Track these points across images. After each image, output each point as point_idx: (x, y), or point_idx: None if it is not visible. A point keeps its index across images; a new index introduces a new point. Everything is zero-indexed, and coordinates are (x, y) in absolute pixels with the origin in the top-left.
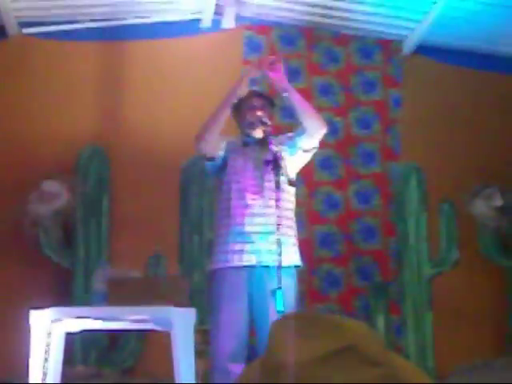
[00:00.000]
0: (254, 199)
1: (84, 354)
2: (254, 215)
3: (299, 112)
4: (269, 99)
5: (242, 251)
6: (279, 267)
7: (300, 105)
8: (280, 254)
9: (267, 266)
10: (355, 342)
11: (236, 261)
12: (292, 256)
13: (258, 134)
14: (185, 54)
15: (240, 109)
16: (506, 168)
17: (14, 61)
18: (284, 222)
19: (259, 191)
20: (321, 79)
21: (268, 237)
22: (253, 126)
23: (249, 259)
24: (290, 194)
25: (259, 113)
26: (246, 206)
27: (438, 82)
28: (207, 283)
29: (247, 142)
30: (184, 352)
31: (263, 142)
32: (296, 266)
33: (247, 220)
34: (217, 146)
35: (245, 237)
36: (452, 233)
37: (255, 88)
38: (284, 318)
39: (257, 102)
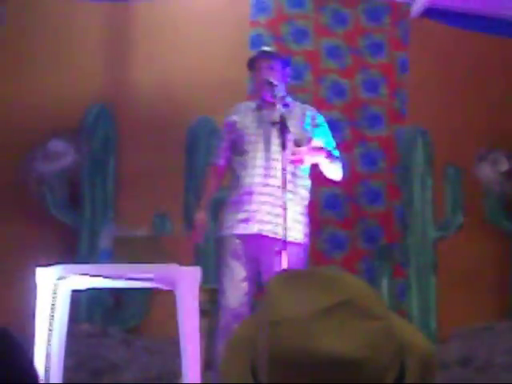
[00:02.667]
0: (262, 164)
1: (89, 312)
2: (260, 183)
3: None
4: (279, 59)
5: (250, 220)
6: (280, 239)
7: (329, 170)
8: (280, 225)
9: (268, 236)
10: (353, 297)
11: (240, 229)
12: (296, 232)
13: (267, 97)
14: (192, 14)
15: (251, 69)
16: None
17: (17, 20)
18: (290, 191)
19: (268, 154)
20: (328, 41)
21: (271, 207)
22: (260, 88)
23: (255, 228)
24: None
25: (265, 75)
26: (255, 175)
27: (445, 46)
28: (216, 247)
29: (259, 105)
30: (189, 311)
31: (274, 104)
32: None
33: (258, 189)
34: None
35: (251, 204)
36: (457, 197)
37: (265, 48)
38: (281, 274)
39: (264, 63)
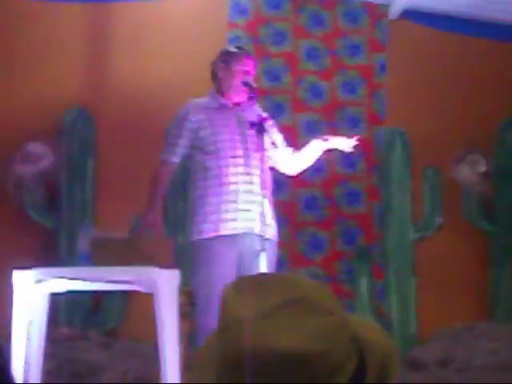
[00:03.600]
0: (242, 162)
1: (68, 315)
2: (244, 181)
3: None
4: (256, 63)
5: (234, 219)
6: (263, 236)
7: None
8: (265, 224)
9: (253, 234)
10: (305, 294)
11: (227, 229)
12: (273, 229)
13: (239, 97)
14: (171, 16)
15: (229, 66)
16: (491, 133)
17: None
18: (266, 189)
19: (246, 152)
20: (306, 42)
21: (255, 205)
22: (238, 89)
23: (241, 227)
24: (270, 160)
25: (249, 78)
26: (238, 174)
27: (424, 47)
28: (193, 252)
29: (224, 105)
30: (168, 313)
31: (242, 103)
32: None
33: (239, 187)
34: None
35: (236, 204)
36: (436, 198)
37: (245, 48)
38: (234, 282)
39: (249, 65)
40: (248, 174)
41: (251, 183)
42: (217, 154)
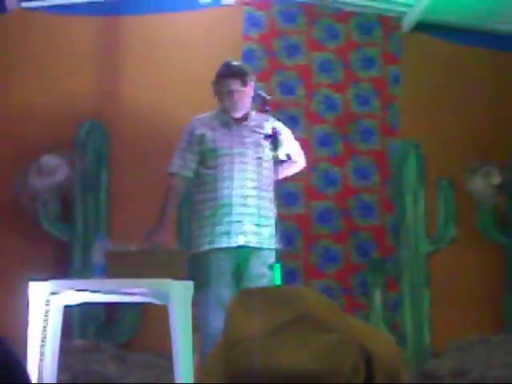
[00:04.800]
0: (239, 176)
1: (82, 327)
2: (239, 194)
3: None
4: (246, 75)
5: (229, 232)
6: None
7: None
8: (261, 235)
9: (252, 247)
10: (309, 311)
11: (221, 243)
12: (271, 239)
13: (239, 112)
14: (185, 29)
15: (219, 90)
16: (504, 145)
17: (12, 35)
18: (265, 200)
19: (244, 166)
20: (320, 55)
21: (252, 217)
22: (233, 108)
23: (236, 240)
24: (270, 171)
25: (236, 98)
26: (233, 187)
27: (437, 59)
28: (191, 265)
29: (227, 122)
30: (181, 325)
31: (246, 116)
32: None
33: (234, 200)
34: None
35: (232, 218)
36: (450, 210)
37: (230, 62)
38: (238, 295)
39: (234, 84)
40: (245, 187)
41: (247, 196)
42: (215, 168)
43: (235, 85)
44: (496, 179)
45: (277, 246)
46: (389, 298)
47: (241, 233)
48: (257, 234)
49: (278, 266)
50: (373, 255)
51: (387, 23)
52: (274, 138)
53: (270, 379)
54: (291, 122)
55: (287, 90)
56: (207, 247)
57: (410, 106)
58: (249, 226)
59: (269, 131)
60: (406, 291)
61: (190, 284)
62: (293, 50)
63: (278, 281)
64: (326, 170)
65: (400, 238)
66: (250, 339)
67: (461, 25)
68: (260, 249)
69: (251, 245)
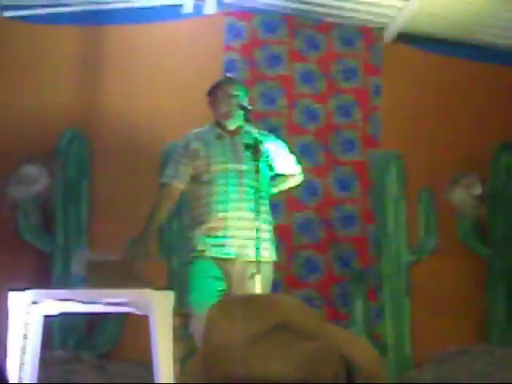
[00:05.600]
0: (234, 189)
1: (62, 338)
2: (235, 208)
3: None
4: (243, 85)
5: (223, 245)
6: (258, 261)
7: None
8: (258, 249)
9: (243, 259)
10: (288, 318)
11: (216, 254)
12: (268, 252)
13: (233, 123)
14: (166, 39)
15: (216, 96)
16: (485, 156)
17: None
18: (262, 213)
19: (239, 180)
20: (302, 66)
21: (247, 231)
22: (229, 114)
23: (230, 253)
24: (266, 185)
25: (235, 99)
26: (227, 199)
27: (418, 70)
28: (184, 273)
29: (221, 135)
30: (162, 336)
31: (239, 129)
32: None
33: (229, 214)
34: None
35: (226, 229)
36: (431, 220)
37: (230, 75)
38: (218, 303)
39: (233, 89)
40: (239, 200)
41: (243, 210)
42: (209, 183)
43: (235, 90)
44: (477, 190)
45: (274, 258)
46: (370, 308)
47: (237, 246)
48: (254, 247)
49: (257, 277)
50: (354, 266)
51: (369, 34)
52: (254, 148)
53: None
54: (273, 132)
55: (269, 100)
56: (201, 258)
57: (391, 116)
58: (245, 241)
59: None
60: (387, 301)
61: (170, 294)
62: (274, 60)
63: (257, 291)
64: (308, 181)
65: (381, 249)
66: (230, 347)
67: (442, 36)
68: (257, 262)
69: (248, 258)
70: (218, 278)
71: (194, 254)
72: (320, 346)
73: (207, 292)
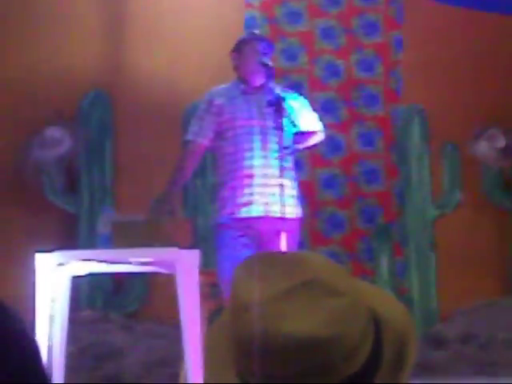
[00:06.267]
0: (259, 146)
1: (90, 298)
2: (260, 165)
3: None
4: (270, 43)
5: (250, 203)
6: (283, 218)
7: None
8: (284, 205)
9: (270, 216)
10: (316, 276)
11: (243, 213)
12: (294, 208)
13: (258, 80)
14: None
15: (240, 52)
16: (510, 109)
17: (14, 6)
18: (287, 169)
19: (264, 136)
20: (322, 22)
21: (273, 187)
22: (255, 70)
23: (258, 210)
24: (290, 140)
25: (262, 56)
26: (252, 156)
27: (439, 24)
28: (214, 234)
29: (246, 91)
30: (189, 294)
31: (264, 87)
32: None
33: (255, 171)
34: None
35: (252, 187)
36: (455, 174)
37: (256, 31)
38: (245, 261)
39: (259, 46)
40: (265, 157)
41: (268, 166)
42: (234, 139)
43: (263, 48)
44: (501, 143)
45: (300, 214)
46: (395, 263)
47: (263, 203)
48: (280, 203)
49: (283, 235)
50: (378, 221)
51: None
52: (277, 105)
53: (277, 346)
54: (294, 89)
55: (290, 57)
56: (228, 217)
57: (413, 71)
58: (271, 197)
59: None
60: (412, 256)
61: (196, 253)
62: (295, 16)
63: (283, 248)
64: (331, 137)
65: (406, 204)
66: (257, 304)
67: None
68: (285, 218)
69: (274, 215)
70: (246, 245)
71: (222, 218)
72: (348, 302)
73: (235, 261)
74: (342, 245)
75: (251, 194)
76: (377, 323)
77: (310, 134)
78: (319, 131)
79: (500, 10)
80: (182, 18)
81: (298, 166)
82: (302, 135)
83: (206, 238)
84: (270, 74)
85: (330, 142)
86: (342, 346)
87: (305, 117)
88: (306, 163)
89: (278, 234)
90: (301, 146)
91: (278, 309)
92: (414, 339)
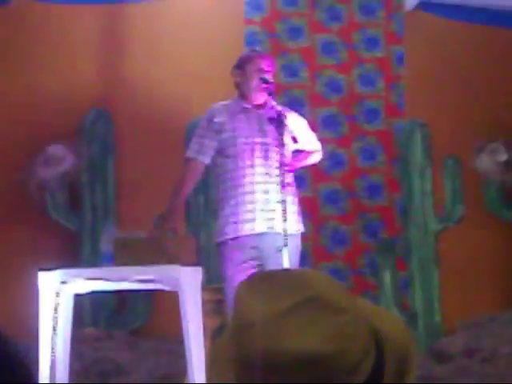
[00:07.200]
0: (260, 163)
1: (93, 316)
2: (261, 182)
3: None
4: (272, 60)
5: (253, 220)
6: (285, 234)
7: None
8: (286, 221)
9: (273, 233)
10: (318, 293)
11: (246, 230)
12: (296, 224)
13: (260, 98)
14: (185, 14)
15: (243, 69)
16: (511, 122)
17: (15, 26)
18: (288, 185)
19: (265, 153)
20: (323, 37)
21: (274, 204)
22: (257, 88)
23: (260, 227)
24: (290, 155)
25: (264, 74)
26: (255, 175)
27: (441, 38)
28: (218, 254)
29: (247, 108)
30: (192, 310)
31: (265, 104)
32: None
33: (256, 188)
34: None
35: (254, 205)
36: (457, 188)
37: (257, 48)
38: (247, 279)
39: (261, 63)
40: (267, 174)
41: (270, 183)
42: (235, 156)
43: (266, 65)
44: (502, 156)
45: (302, 230)
46: (398, 277)
47: (266, 220)
48: (282, 220)
49: (285, 249)
50: (381, 236)
51: (390, 2)
52: (279, 122)
53: (279, 362)
54: (296, 104)
55: (291, 72)
56: (231, 235)
57: (414, 85)
58: (273, 213)
59: (289, 121)
60: (415, 270)
61: (199, 270)
62: (295, 32)
63: (285, 264)
64: (332, 152)
65: (408, 218)
66: (259, 322)
67: (463, 2)
68: (287, 234)
69: (276, 231)
70: (248, 262)
71: (225, 236)
72: (349, 319)
73: (239, 279)
74: (345, 260)
75: (253, 211)
76: (378, 339)
77: (309, 153)
78: (318, 150)
79: (501, 23)
80: (182, 35)
81: (299, 181)
82: (301, 154)
83: (209, 255)
84: (272, 91)
85: (332, 157)
86: (344, 362)
87: (304, 136)
88: (307, 179)
89: (280, 250)
90: (299, 165)
91: (280, 326)
92: (415, 355)
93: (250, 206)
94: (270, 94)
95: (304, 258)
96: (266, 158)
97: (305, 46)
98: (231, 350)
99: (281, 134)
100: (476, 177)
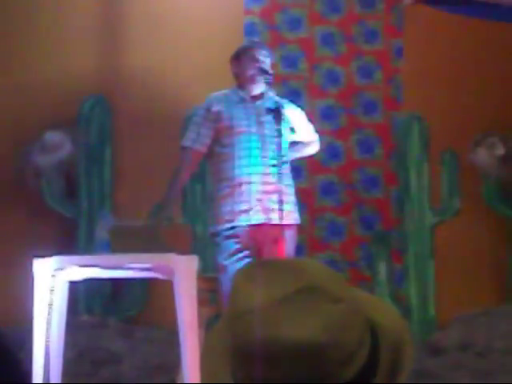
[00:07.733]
0: (257, 153)
1: (88, 303)
2: (258, 172)
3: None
4: (270, 51)
5: (249, 210)
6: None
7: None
8: (282, 211)
9: (269, 223)
10: (314, 282)
11: (241, 221)
12: (292, 214)
13: (258, 88)
14: (185, 3)
15: (240, 59)
16: (508, 117)
17: (14, 8)
18: (284, 176)
19: (262, 143)
20: (322, 29)
21: (271, 194)
22: (254, 78)
23: (256, 218)
24: (287, 148)
25: (261, 64)
26: (250, 163)
27: (440, 31)
28: (213, 244)
29: (244, 98)
30: (186, 299)
31: (263, 95)
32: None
33: (253, 178)
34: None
35: (250, 195)
36: (454, 182)
37: (256, 39)
38: (244, 267)
39: (260, 55)
40: (263, 164)
41: (266, 173)
42: (232, 146)
43: (262, 56)
44: (500, 150)
45: (298, 221)
46: (394, 270)
47: (261, 210)
48: (277, 210)
49: (281, 240)
50: (377, 228)
51: None
52: (276, 113)
53: (275, 351)
54: (294, 95)
55: (290, 63)
56: (227, 225)
57: (413, 78)
58: (269, 203)
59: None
60: (410, 263)
61: (194, 258)
62: (295, 23)
63: (281, 255)
64: (330, 144)
65: (404, 211)
66: (255, 310)
67: None
68: (283, 224)
69: (272, 222)
70: (244, 252)
71: (221, 226)
72: (345, 308)
73: (234, 268)
74: (340, 252)
75: (250, 202)
76: (373, 330)
77: (306, 144)
78: (315, 142)
79: (501, 18)
80: (182, 24)
81: (296, 172)
82: (298, 145)
83: (205, 244)
84: (270, 82)
85: (329, 149)
86: (339, 352)
87: (301, 127)
88: (304, 170)
89: (276, 240)
90: (296, 156)
91: (276, 315)
92: (410, 346)
93: (246, 197)
94: (268, 85)
95: (300, 248)
96: (262, 148)
97: (304, 38)
98: (226, 337)
99: (278, 125)
100: (473, 171)
